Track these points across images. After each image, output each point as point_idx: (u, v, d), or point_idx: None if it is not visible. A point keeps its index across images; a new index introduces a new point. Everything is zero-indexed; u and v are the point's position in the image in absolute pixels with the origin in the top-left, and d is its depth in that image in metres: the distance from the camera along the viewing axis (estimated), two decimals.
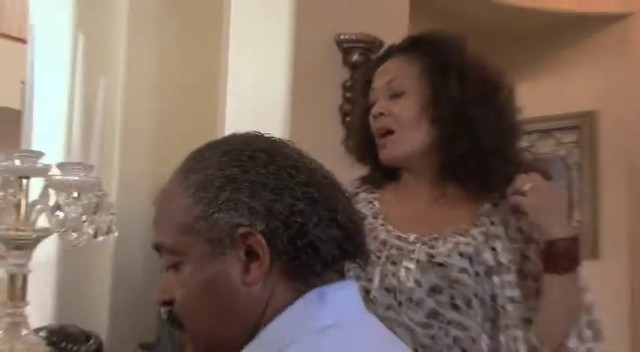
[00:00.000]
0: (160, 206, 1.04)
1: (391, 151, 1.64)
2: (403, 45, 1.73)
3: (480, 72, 1.63)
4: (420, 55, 1.66)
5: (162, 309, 1.02)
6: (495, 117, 1.60)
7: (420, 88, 1.63)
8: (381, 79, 1.68)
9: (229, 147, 1.01)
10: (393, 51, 1.74)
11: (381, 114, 1.64)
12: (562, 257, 1.52)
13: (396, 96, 1.64)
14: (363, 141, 1.73)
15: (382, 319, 1.45)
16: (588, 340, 1.55)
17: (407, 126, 1.61)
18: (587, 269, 1.58)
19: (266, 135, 1.06)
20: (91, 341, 2.72)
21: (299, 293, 0.96)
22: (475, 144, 1.57)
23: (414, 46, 1.70)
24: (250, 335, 0.96)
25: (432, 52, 1.65)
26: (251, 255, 0.94)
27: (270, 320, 0.95)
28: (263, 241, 0.93)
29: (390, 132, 1.63)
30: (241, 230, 0.94)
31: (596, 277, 1.68)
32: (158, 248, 1.03)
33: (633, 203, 4.56)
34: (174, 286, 1.00)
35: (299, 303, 0.96)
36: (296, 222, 0.94)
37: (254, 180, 0.95)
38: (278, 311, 0.95)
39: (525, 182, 1.54)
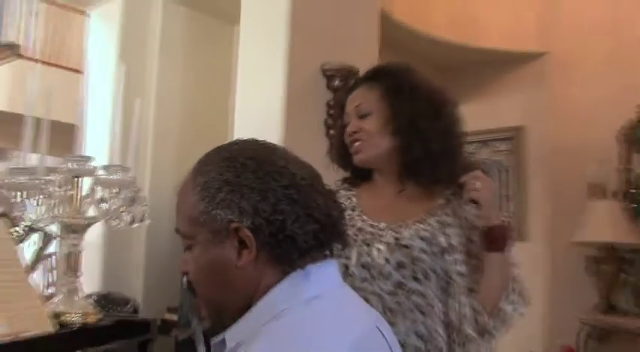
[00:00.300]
0: (178, 199, 1.03)
1: (362, 155, 1.63)
2: (366, 76, 1.71)
3: (428, 92, 1.62)
4: (379, 83, 1.64)
5: (183, 279, 1.02)
6: (442, 128, 1.58)
7: (381, 108, 1.61)
8: (351, 104, 1.67)
9: (228, 154, 1.00)
10: (358, 82, 1.73)
11: (355, 132, 1.63)
12: (498, 239, 1.52)
13: (363, 116, 1.62)
14: (341, 154, 1.72)
15: (358, 289, 1.43)
16: (516, 302, 1.55)
17: (374, 137, 1.60)
18: (516, 249, 1.58)
19: (261, 142, 1.04)
20: (130, 305, 2.71)
21: (285, 274, 0.95)
22: (427, 150, 1.56)
23: (374, 76, 1.68)
24: (248, 305, 0.95)
25: (388, 79, 1.64)
26: (243, 244, 0.94)
27: (263, 295, 0.94)
28: (250, 234, 0.93)
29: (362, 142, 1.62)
30: (233, 225, 0.93)
31: (523, 255, 1.68)
32: (178, 232, 1.03)
33: (552, 197, 4.63)
34: (190, 262, 1.00)
35: (286, 281, 0.95)
36: (277, 219, 0.93)
37: (244, 184, 0.94)
38: (269, 288, 0.94)
39: (478, 180, 1.53)
